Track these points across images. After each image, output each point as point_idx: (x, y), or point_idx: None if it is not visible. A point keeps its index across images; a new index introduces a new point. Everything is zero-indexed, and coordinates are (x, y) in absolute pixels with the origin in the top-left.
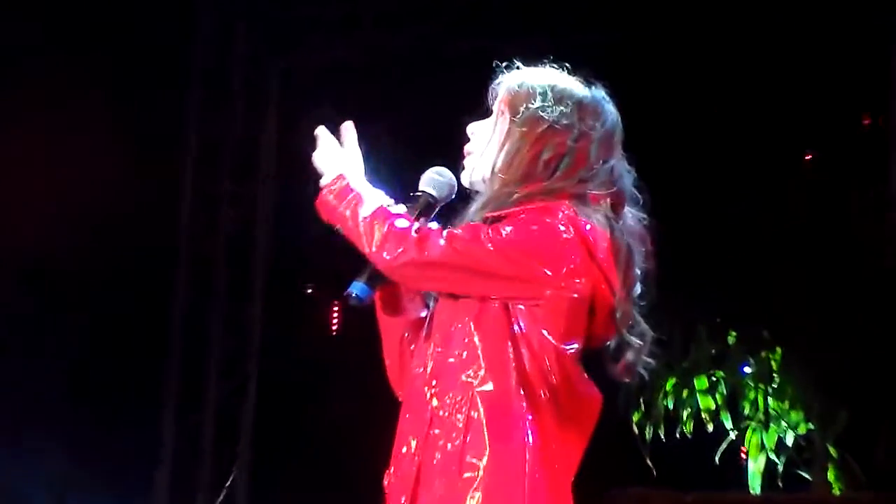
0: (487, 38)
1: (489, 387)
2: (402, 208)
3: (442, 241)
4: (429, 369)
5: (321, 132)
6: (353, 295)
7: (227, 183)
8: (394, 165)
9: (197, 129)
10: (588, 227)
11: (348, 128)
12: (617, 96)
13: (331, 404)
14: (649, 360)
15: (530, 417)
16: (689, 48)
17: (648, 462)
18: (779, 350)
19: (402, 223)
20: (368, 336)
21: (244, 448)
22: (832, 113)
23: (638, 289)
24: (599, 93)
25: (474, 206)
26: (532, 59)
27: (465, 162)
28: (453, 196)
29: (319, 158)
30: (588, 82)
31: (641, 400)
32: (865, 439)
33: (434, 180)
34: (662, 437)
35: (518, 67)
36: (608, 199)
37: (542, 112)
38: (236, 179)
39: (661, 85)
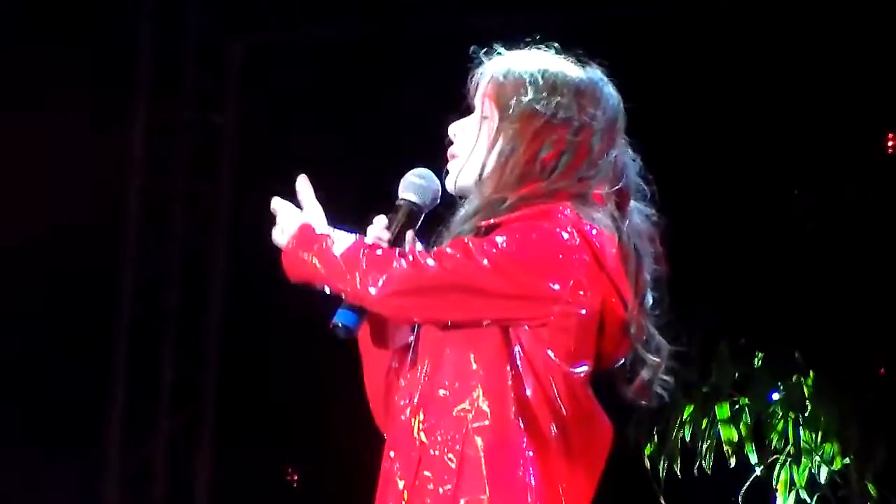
0: (463, 14)
1: (486, 421)
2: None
3: (431, 262)
4: (416, 401)
5: (276, 203)
6: (340, 325)
7: (181, 181)
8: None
9: (145, 117)
10: (594, 231)
11: (303, 183)
12: (630, 84)
13: (298, 432)
14: (667, 378)
15: (532, 454)
16: (722, 27)
17: (662, 502)
18: (811, 374)
19: (381, 251)
20: (344, 357)
21: (200, 486)
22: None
23: (650, 297)
24: (596, 74)
25: (463, 215)
26: (513, 39)
27: (450, 166)
28: (438, 201)
29: (278, 231)
30: (581, 62)
31: (655, 430)
32: None
33: (415, 185)
34: (678, 472)
35: (499, 52)
36: (613, 197)
37: (537, 105)
38: (191, 177)
39: (686, 70)
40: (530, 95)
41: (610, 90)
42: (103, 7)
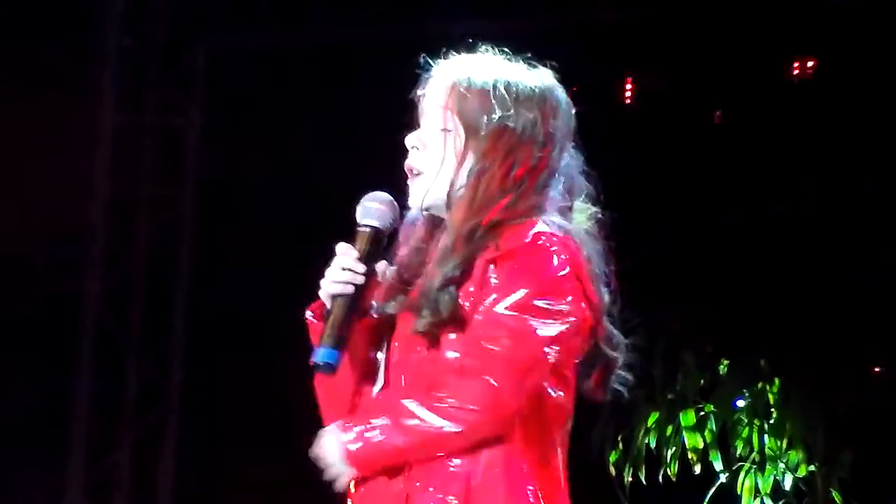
0: (422, 20)
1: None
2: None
3: (486, 377)
4: None
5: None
6: (322, 364)
7: (146, 186)
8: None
9: (111, 122)
10: (569, 244)
11: None
12: (592, 88)
13: (265, 443)
14: (624, 373)
15: (528, 468)
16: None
17: None
18: (777, 382)
19: (428, 403)
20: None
21: (164, 498)
22: (849, 123)
23: (606, 294)
24: (551, 80)
25: (443, 249)
26: (471, 44)
27: (415, 182)
28: (397, 220)
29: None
30: (531, 65)
31: (620, 437)
32: (874, 483)
33: (376, 210)
34: (643, 479)
35: (449, 59)
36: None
37: (507, 121)
38: (155, 182)
39: (656, 76)
40: (498, 111)
41: (562, 94)
42: (68, 12)
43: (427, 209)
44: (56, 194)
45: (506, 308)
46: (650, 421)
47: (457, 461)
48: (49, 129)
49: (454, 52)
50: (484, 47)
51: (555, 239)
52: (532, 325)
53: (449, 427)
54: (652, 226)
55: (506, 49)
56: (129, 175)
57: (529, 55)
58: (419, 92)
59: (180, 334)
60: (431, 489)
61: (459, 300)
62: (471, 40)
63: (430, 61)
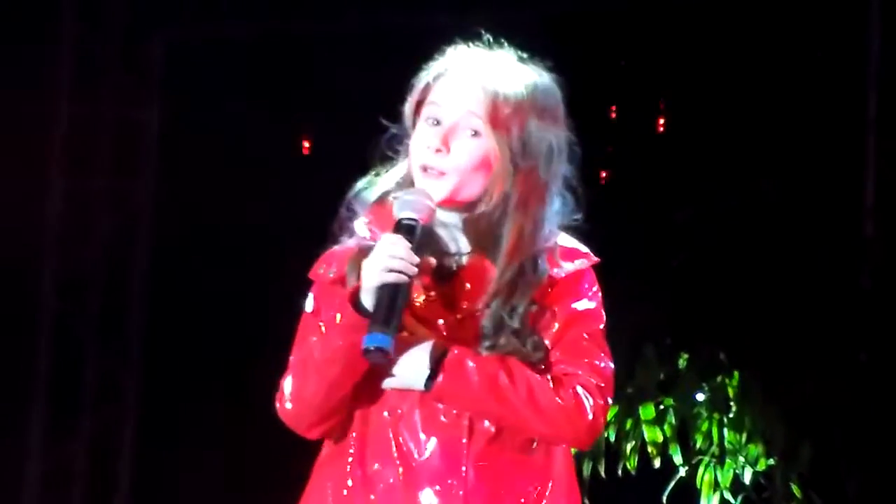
0: (379, 12)
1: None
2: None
3: (594, 382)
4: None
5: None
6: (373, 350)
7: (103, 179)
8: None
9: (66, 113)
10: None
11: None
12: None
13: (225, 436)
14: None
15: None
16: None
17: (587, 502)
18: (736, 375)
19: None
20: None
21: (122, 490)
22: (807, 117)
23: None
24: (553, 82)
25: (511, 283)
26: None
27: (435, 182)
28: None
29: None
30: (520, 57)
31: None
32: (833, 476)
33: (415, 203)
34: (602, 473)
35: (463, 52)
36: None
37: (543, 136)
38: (113, 175)
39: (601, 60)
40: (535, 131)
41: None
42: (23, 2)
43: (447, 203)
44: (11, 186)
45: (592, 330)
46: (609, 415)
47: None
48: (3, 120)
49: (428, 44)
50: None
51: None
52: (606, 353)
53: (560, 425)
54: (610, 220)
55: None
56: (85, 167)
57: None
58: (430, 82)
59: (138, 326)
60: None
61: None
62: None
63: (441, 56)
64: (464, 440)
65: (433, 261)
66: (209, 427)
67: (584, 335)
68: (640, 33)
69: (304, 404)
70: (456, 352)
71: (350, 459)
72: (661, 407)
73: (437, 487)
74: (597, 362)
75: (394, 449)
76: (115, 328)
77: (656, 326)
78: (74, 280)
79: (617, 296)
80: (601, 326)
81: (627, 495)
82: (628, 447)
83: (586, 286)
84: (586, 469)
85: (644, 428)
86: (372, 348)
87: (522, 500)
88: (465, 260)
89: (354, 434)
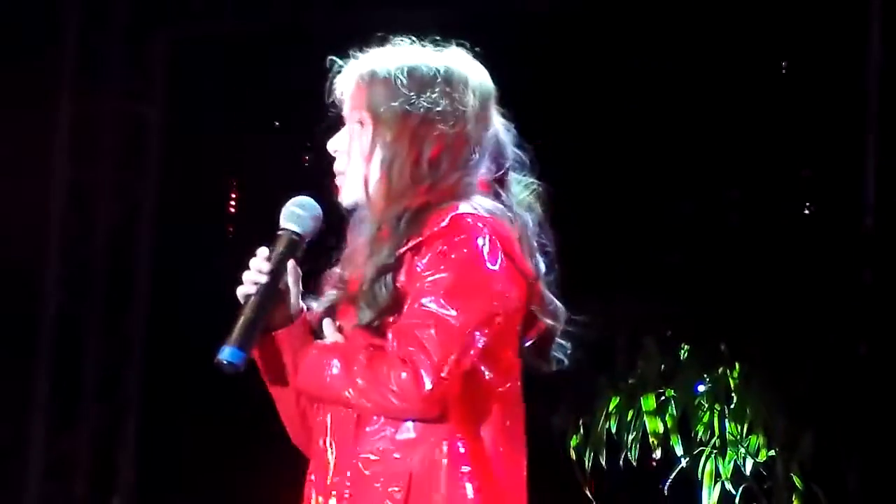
0: (381, 7)
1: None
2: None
3: (418, 366)
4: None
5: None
6: (225, 363)
7: (107, 173)
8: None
9: (70, 108)
10: (496, 225)
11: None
12: (548, 71)
13: (225, 428)
14: (565, 343)
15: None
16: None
17: (588, 493)
18: (737, 366)
19: (374, 369)
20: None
21: (124, 481)
22: (805, 112)
23: (542, 264)
24: (459, 56)
25: (369, 239)
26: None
27: (338, 183)
28: (319, 228)
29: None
30: (435, 43)
31: (580, 422)
32: (833, 466)
33: (295, 215)
34: (604, 464)
35: (354, 55)
36: (494, 176)
37: (408, 105)
38: (117, 169)
39: (606, 58)
40: (400, 96)
41: (475, 67)
42: None
43: (351, 206)
44: (15, 180)
45: (431, 294)
46: (611, 406)
47: (397, 454)
48: (8, 114)
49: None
50: (397, 37)
51: (477, 219)
52: (458, 311)
53: (383, 407)
54: (612, 213)
55: (412, 37)
56: (89, 161)
57: (438, 38)
58: (334, 95)
59: (141, 319)
60: (377, 485)
61: (396, 288)
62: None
63: (337, 61)
64: (350, 431)
65: (290, 266)
66: (210, 420)
67: (421, 302)
68: (641, 27)
69: (285, 425)
70: (314, 351)
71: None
72: (663, 398)
73: (336, 479)
74: (425, 331)
75: (321, 453)
76: (118, 321)
77: (657, 318)
78: (77, 273)
79: (619, 288)
80: (445, 281)
81: (629, 486)
82: (630, 438)
83: (439, 246)
84: (588, 460)
85: (645, 419)
86: (224, 361)
87: (397, 490)
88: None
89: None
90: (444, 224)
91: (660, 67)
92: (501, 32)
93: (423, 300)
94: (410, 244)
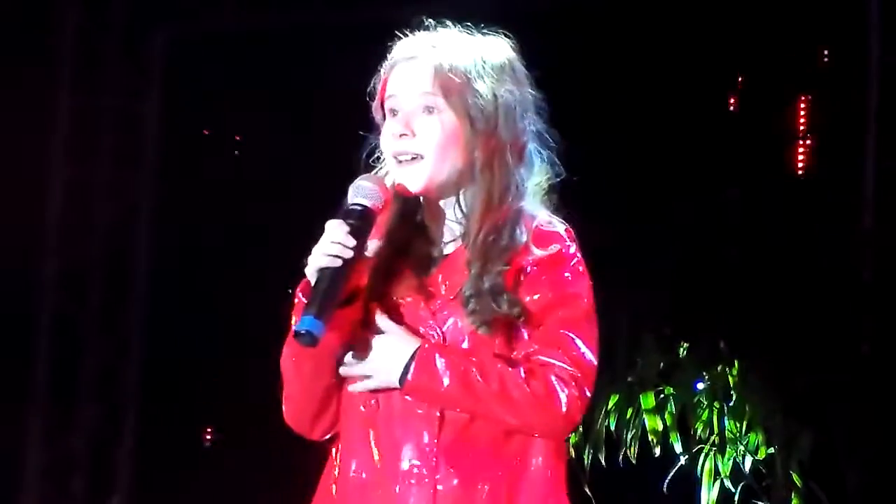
0: (383, 5)
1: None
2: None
3: (583, 386)
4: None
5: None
6: (304, 333)
7: (104, 168)
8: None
9: (68, 106)
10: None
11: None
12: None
13: (223, 427)
14: None
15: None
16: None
17: (587, 490)
18: (736, 364)
19: (529, 386)
20: (268, 348)
21: (122, 480)
22: (805, 111)
23: None
24: (509, 48)
25: (483, 243)
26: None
27: (412, 167)
28: (383, 202)
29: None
30: (464, 29)
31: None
32: (833, 464)
33: (363, 188)
34: (603, 461)
35: (412, 36)
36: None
37: (497, 101)
38: (115, 166)
39: (607, 57)
40: (486, 92)
41: (521, 63)
42: None
43: (427, 191)
44: (12, 178)
45: (581, 315)
46: (610, 403)
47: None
48: (5, 110)
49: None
50: (432, 22)
51: (568, 233)
52: (592, 336)
53: (532, 417)
54: (612, 210)
55: (468, 23)
56: (87, 158)
57: (483, 26)
58: (384, 75)
59: (138, 318)
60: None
61: (514, 300)
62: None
63: (394, 44)
64: (435, 431)
65: (375, 244)
66: (209, 419)
67: (562, 323)
68: (634, 25)
69: (293, 405)
70: (427, 346)
71: (336, 458)
72: (662, 395)
73: (412, 480)
74: (574, 352)
75: (371, 444)
76: (116, 320)
77: (657, 315)
78: (75, 272)
79: (618, 285)
80: (583, 309)
81: (628, 484)
82: (629, 436)
83: (566, 269)
84: (587, 458)
85: (644, 416)
86: (302, 331)
87: (487, 488)
88: (447, 249)
89: (339, 431)
90: (567, 244)
91: (655, 64)
92: (502, 23)
93: (565, 320)
94: (526, 257)
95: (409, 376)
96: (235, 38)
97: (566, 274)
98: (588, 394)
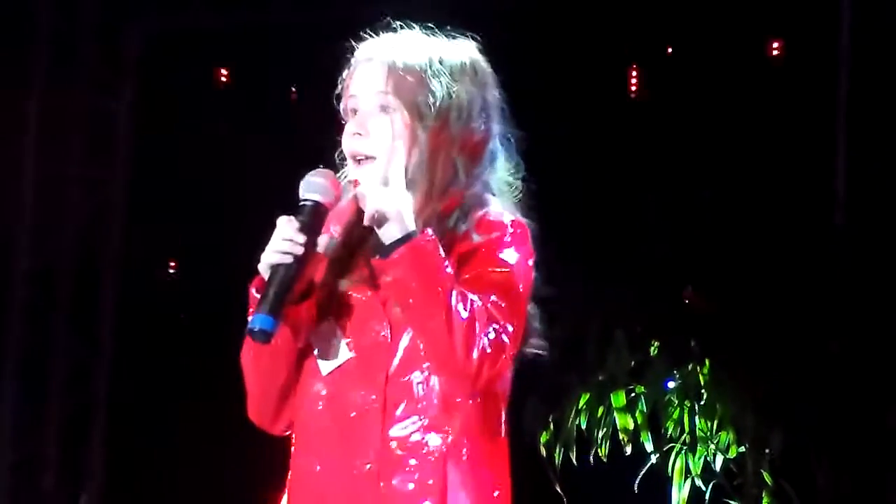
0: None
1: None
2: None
3: (510, 328)
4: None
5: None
6: (257, 330)
7: (76, 167)
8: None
9: (40, 102)
10: (527, 228)
11: None
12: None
13: (194, 423)
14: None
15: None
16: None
17: (558, 489)
18: (707, 363)
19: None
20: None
21: (93, 477)
22: (778, 108)
23: None
24: (473, 49)
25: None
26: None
27: (365, 168)
28: (337, 197)
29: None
30: (451, 37)
31: (550, 418)
32: (803, 463)
33: (319, 185)
34: (574, 460)
35: (371, 37)
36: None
37: (449, 99)
38: (86, 163)
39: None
40: (438, 90)
41: (487, 64)
42: None
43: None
44: None
45: (509, 278)
46: (581, 402)
47: (434, 444)
48: None
49: (374, 34)
50: (399, 24)
51: (522, 226)
52: (523, 308)
53: (474, 360)
54: (582, 207)
55: (429, 24)
56: (58, 155)
57: (449, 28)
58: (347, 77)
59: (109, 314)
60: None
61: None
62: (393, 20)
63: (354, 45)
64: (380, 424)
65: (325, 239)
66: (180, 414)
67: (495, 302)
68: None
69: (253, 400)
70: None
71: (293, 450)
72: (633, 394)
73: (358, 472)
74: (508, 325)
75: (322, 437)
76: (86, 316)
77: (627, 314)
78: (46, 269)
79: (589, 283)
80: (515, 295)
81: (599, 482)
82: (600, 434)
83: (501, 249)
84: (558, 456)
85: (616, 415)
86: (255, 328)
87: (428, 457)
88: None
89: (294, 426)
90: (497, 231)
91: (636, 53)
92: (476, 26)
93: (498, 294)
94: (465, 242)
95: (415, 237)
96: (209, 34)
97: (506, 260)
98: (510, 362)
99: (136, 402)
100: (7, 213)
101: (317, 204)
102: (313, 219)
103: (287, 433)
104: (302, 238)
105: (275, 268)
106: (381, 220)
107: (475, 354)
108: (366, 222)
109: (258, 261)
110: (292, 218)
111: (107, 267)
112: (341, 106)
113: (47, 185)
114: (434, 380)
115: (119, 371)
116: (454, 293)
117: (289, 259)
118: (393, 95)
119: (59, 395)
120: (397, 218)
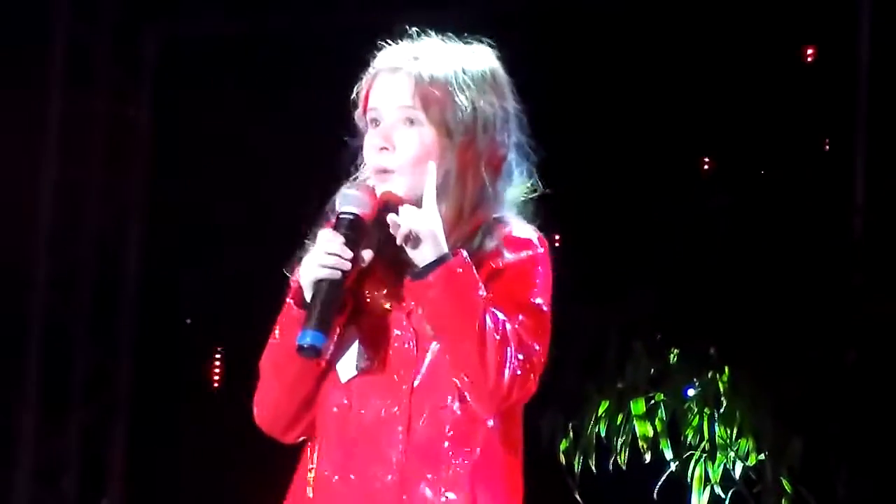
0: (374, 10)
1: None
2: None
3: (536, 347)
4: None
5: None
6: (306, 347)
7: (96, 174)
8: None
9: (59, 108)
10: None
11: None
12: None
13: (215, 428)
14: None
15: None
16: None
17: (577, 497)
18: (727, 370)
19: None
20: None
21: (114, 481)
22: (797, 116)
23: None
24: (492, 57)
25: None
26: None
27: (389, 181)
28: (375, 209)
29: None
30: (447, 39)
31: (570, 426)
32: (823, 471)
33: (352, 197)
34: (593, 468)
35: (392, 46)
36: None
37: (475, 113)
38: (105, 170)
39: (596, 59)
40: (464, 104)
41: (504, 73)
42: None
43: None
44: (3, 181)
45: (539, 326)
46: (600, 410)
47: (459, 459)
48: None
49: (392, 42)
50: (415, 31)
51: (545, 242)
52: (547, 346)
53: (498, 382)
54: (601, 216)
55: (448, 33)
56: (78, 162)
57: (466, 35)
58: (366, 85)
59: (129, 320)
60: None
61: None
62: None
63: (375, 55)
64: (405, 434)
65: (369, 254)
66: (201, 420)
67: (524, 330)
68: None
69: (270, 408)
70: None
71: (312, 459)
72: (652, 402)
73: (380, 485)
74: (536, 345)
75: (344, 446)
76: (107, 322)
77: (647, 322)
78: (66, 274)
79: (608, 292)
80: (542, 320)
81: (618, 490)
82: (619, 442)
83: (536, 276)
84: (577, 464)
85: (635, 423)
86: (305, 345)
87: (452, 472)
88: None
89: (315, 432)
90: (528, 249)
91: (644, 66)
92: (484, 32)
93: (527, 323)
94: (494, 257)
95: (450, 260)
96: (227, 40)
97: (536, 281)
98: (532, 389)
99: (158, 407)
100: (27, 219)
101: (356, 217)
102: (356, 232)
103: (298, 441)
104: (349, 254)
105: (320, 283)
106: (415, 242)
107: (506, 377)
108: (399, 242)
109: (278, 265)
110: (336, 232)
111: (127, 271)
112: (357, 114)
113: (67, 190)
114: (458, 393)
115: (139, 376)
116: (487, 316)
117: (337, 275)
118: (420, 109)
119: (80, 400)
120: (431, 239)
